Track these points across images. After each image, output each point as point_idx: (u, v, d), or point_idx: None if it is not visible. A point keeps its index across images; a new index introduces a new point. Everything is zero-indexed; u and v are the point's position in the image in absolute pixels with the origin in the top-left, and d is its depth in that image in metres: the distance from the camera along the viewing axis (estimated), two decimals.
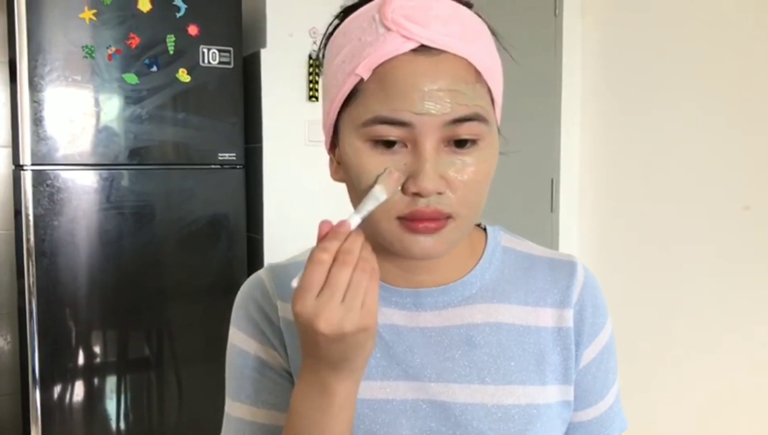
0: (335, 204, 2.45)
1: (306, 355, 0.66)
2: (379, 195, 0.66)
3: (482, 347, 0.76)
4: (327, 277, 0.61)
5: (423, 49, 0.64)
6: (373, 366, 0.76)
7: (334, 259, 0.61)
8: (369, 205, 0.65)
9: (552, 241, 3.09)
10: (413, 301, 0.77)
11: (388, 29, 0.64)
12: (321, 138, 2.64)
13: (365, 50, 0.65)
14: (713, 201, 2.41)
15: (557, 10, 3.05)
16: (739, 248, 2.33)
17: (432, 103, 0.64)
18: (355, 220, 0.65)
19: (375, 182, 0.66)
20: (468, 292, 0.78)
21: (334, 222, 0.64)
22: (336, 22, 0.72)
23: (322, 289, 0.60)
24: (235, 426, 0.81)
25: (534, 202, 3.09)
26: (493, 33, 0.73)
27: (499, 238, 0.83)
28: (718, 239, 2.39)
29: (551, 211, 3.11)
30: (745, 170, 2.30)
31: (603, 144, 2.93)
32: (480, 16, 0.71)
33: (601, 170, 2.95)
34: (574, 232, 3.10)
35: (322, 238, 0.63)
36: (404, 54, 0.64)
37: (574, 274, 0.81)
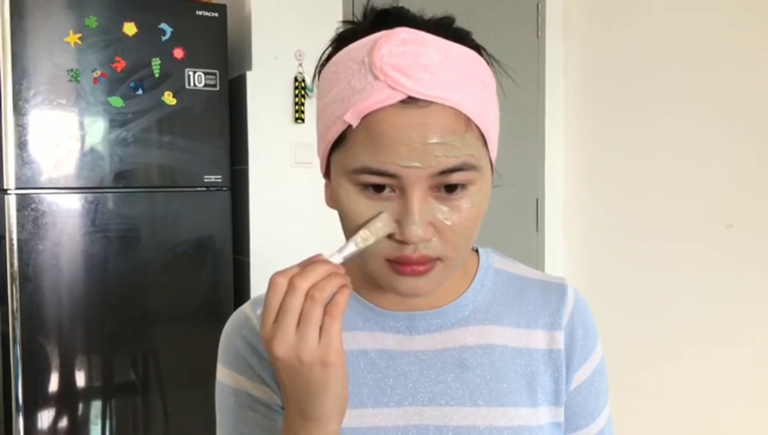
0: (322, 225, 2.45)
1: (285, 400, 0.66)
2: (364, 239, 0.66)
3: (474, 369, 0.77)
4: (281, 302, 0.61)
5: (411, 100, 0.63)
6: (366, 393, 0.76)
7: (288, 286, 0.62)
8: (351, 247, 0.66)
9: (538, 260, 3.11)
10: (407, 324, 0.78)
11: (376, 78, 0.64)
12: (307, 159, 2.64)
13: (353, 97, 0.65)
14: (696, 220, 2.43)
15: (540, 32, 3.09)
16: (722, 265, 2.35)
17: (419, 156, 0.63)
18: (336, 260, 0.65)
19: (362, 225, 0.67)
20: (461, 314, 0.78)
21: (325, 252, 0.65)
22: (329, 50, 0.71)
23: (278, 313, 0.61)
24: None
25: (520, 221, 3.11)
26: (493, 59, 0.73)
27: (491, 259, 0.84)
28: (702, 257, 2.41)
29: (537, 230, 3.13)
30: (727, 189, 2.33)
31: (586, 164, 2.95)
32: (474, 44, 0.70)
33: (585, 190, 2.98)
34: (560, 251, 3.11)
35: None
36: (392, 106, 0.64)
37: (565, 296, 0.81)
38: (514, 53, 3.01)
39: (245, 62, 2.57)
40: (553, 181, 3.11)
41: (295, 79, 2.57)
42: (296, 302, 0.60)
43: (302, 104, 2.57)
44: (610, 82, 2.81)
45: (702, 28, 2.41)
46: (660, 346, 2.55)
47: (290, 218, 2.57)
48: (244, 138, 2.54)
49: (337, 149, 0.69)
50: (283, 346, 0.60)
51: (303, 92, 2.56)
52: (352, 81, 0.66)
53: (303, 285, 0.61)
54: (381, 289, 0.77)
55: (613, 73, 2.79)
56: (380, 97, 0.63)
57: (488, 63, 0.72)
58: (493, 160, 0.73)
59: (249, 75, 2.53)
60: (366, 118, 0.64)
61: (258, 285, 2.53)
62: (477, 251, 0.84)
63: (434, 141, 0.63)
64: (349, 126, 0.66)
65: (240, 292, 2.56)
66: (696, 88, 2.43)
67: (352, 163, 0.66)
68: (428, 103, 0.64)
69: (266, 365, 0.77)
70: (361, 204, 0.67)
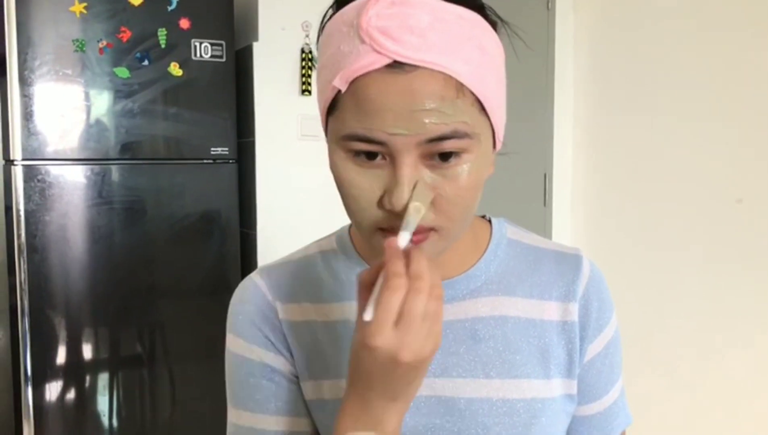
0: (329, 198, 2.44)
1: (358, 388, 0.62)
2: (417, 210, 0.64)
3: (487, 341, 0.75)
4: (403, 304, 0.58)
5: (397, 64, 0.61)
6: None
7: (408, 287, 0.58)
8: (412, 222, 0.63)
9: (545, 235, 3.09)
10: None
11: (363, 41, 0.61)
12: (314, 132, 2.62)
13: (342, 61, 0.63)
14: (706, 194, 2.41)
15: (550, 4, 3.04)
16: (731, 240, 2.34)
17: (406, 123, 0.61)
18: (404, 238, 0.62)
19: (410, 198, 0.64)
20: (473, 285, 0.77)
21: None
22: (330, 12, 0.69)
23: (399, 318, 0.58)
24: None
25: (527, 196, 3.09)
26: (501, 20, 0.70)
27: (504, 230, 0.82)
28: (711, 232, 2.40)
29: (544, 205, 3.11)
30: (737, 163, 2.31)
31: (595, 138, 2.93)
32: (477, 4, 0.67)
33: (593, 165, 2.95)
34: (567, 226, 3.10)
35: (385, 261, 0.60)
36: (378, 71, 0.61)
37: (580, 267, 0.80)
38: (524, 25, 2.97)
39: (252, 33, 2.54)
40: (562, 156, 3.09)
41: (302, 51, 2.54)
42: (422, 303, 0.58)
43: (309, 76, 2.54)
44: (620, 56, 2.77)
45: (717, 4, 2.37)
46: (668, 321, 2.54)
47: (297, 191, 2.56)
48: (251, 110, 2.52)
49: (331, 115, 0.67)
50: (412, 349, 0.58)
51: (310, 64, 2.54)
52: (341, 45, 0.64)
53: (426, 286, 0.58)
54: None
55: (624, 47, 2.75)
56: (366, 61, 0.61)
57: (494, 26, 0.69)
58: (497, 128, 0.70)
59: (255, 46, 2.50)
60: (354, 83, 0.62)
61: (264, 258, 2.52)
62: (490, 221, 0.83)
63: (421, 107, 0.61)
64: (339, 91, 0.64)
65: (247, 265, 2.56)
66: (707, 62, 2.40)
67: (342, 130, 0.64)
68: (415, 68, 0.61)
69: (279, 334, 0.76)
70: (353, 172, 0.65)
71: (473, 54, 0.64)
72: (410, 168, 0.63)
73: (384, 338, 0.57)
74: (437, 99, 0.61)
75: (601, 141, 2.90)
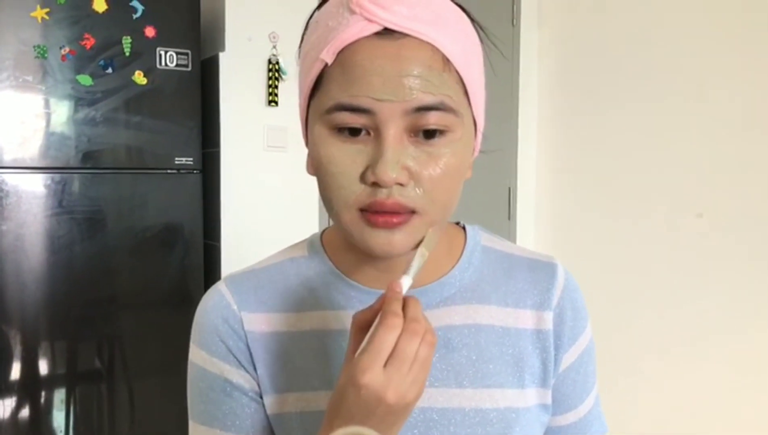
0: (294, 210, 2.42)
1: (336, 423, 0.61)
2: (422, 254, 0.65)
3: (460, 350, 0.74)
4: (395, 345, 0.58)
5: (386, 32, 0.62)
6: None
7: (403, 329, 0.58)
8: (415, 266, 0.64)
9: None
10: None
11: (353, 12, 0.63)
12: (280, 143, 2.59)
13: (329, 35, 0.64)
14: (667, 209, 2.45)
15: (515, 20, 3.08)
16: (692, 254, 2.37)
17: (392, 89, 0.61)
18: (406, 283, 0.63)
19: (420, 243, 0.66)
20: (447, 293, 0.76)
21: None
22: (314, 8, 0.70)
23: (389, 357, 0.57)
24: None
25: (491, 210, 3.11)
26: (478, 24, 0.71)
27: (479, 237, 0.82)
28: (673, 246, 2.44)
29: (508, 219, 3.13)
30: (697, 179, 2.35)
31: (559, 153, 2.96)
32: (461, 7, 0.69)
33: (557, 179, 2.98)
34: (531, 240, 3.12)
35: (384, 302, 0.60)
36: (367, 38, 0.62)
37: (555, 276, 0.79)
38: (488, 40, 2.99)
39: (218, 43, 2.52)
40: (526, 170, 3.12)
41: (269, 62, 2.52)
42: (414, 347, 0.58)
43: (276, 87, 2.52)
44: (584, 71, 2.82)
45: (675, 17, 2.42)
46: (632, 334, 2.57)
47: (262, 203, 2.53)
48: (216, 120, 2.50)
49: (314, 97, 0.67)
50: (397, 392, 0.57)
51: (277, 75, 2.52)
52: (330, 22, 0.65)
53: (420, 329, 0.58)
54: (362, 264, 0.74)
55: (588, 62, 2.79)
56: (356, 29, 0.62)
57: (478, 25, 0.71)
58: (479, 122, 0.71)
59: (222, 56, 2.48)
60: (341, 53, 0.63)
61: (228, 270, 2.48)
62: (464, 228, 0.82)
63: (409, 73, 0.62)
64: (325, 66, 0.64)
65: (210, 277, 2.52)
66: (669, 78, 2.44)
67: (327, 103, 0.64)
68: (403, 36, 0.62)
69: (243, 347, 0.74)
70: (335, 148, 0.64)
71: (459, 35, 0.66)
72: (395, 140, 0.63)
73: (373, 376, 0.57)
74: (425, 67, 0.62)
75: (564, 155, 2.94)
